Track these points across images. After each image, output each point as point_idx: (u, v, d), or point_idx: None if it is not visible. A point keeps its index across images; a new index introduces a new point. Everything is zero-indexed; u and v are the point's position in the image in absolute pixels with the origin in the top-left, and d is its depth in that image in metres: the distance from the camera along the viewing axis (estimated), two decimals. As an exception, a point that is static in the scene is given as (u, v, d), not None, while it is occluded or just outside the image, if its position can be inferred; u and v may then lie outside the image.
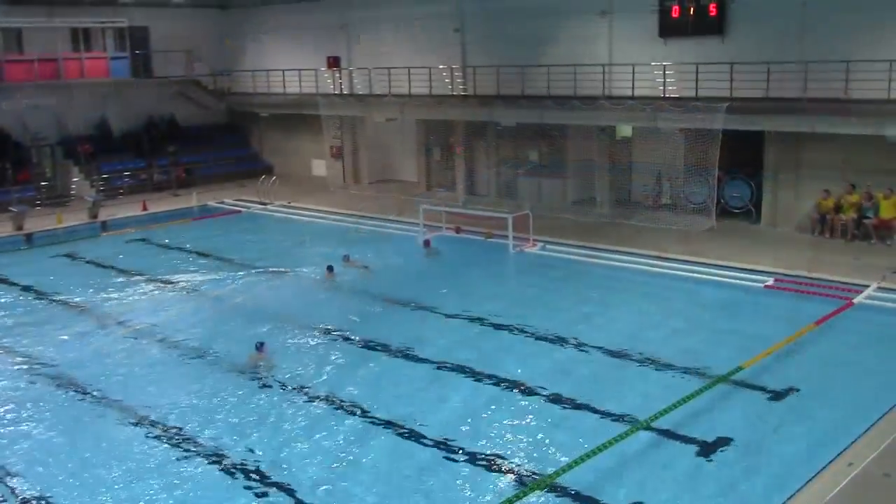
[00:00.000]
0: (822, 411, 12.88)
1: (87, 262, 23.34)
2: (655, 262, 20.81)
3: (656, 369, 14.62)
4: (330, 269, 20.85)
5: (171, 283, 21.05)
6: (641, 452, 11.65)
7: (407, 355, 15.63)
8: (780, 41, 22.73)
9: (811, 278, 18.87)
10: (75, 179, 31.87)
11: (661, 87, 24.25)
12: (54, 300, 19.86)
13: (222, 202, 30.85)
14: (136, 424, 13.10)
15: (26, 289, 20.85)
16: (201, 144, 35.80)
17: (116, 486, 11.24)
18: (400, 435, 12.47)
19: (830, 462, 11.04)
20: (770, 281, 18.95)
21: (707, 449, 11.72)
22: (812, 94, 21.39)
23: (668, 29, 24.88)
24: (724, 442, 11.85)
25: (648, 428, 12.20)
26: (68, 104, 32.92)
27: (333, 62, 34.06)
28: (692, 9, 24.26)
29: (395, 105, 30.11)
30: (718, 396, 13.34)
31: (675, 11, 24.60)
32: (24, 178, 30.37)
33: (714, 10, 23.90)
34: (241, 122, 38.18)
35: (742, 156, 24.06)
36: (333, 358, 15.67)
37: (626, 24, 25.92)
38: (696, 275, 19.78)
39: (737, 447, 11.74)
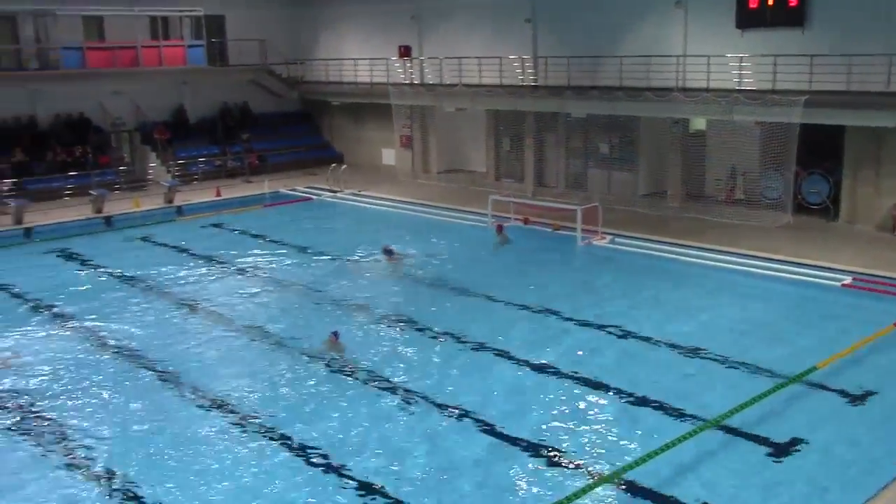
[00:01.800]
0: (901, 415, 12.54)
1: (163, 246, 23.94)
2: (728, 257, 20.44)
3: (728, 367, 14.38)
4: (389, 252, 21.08)
5: (243, 267, 21.47)
6: (711, 451, 11.48)
7: (470, 344, 15.67)
8: (863, 32, 22.03)
9: (891, 278, 18.33)
10: (152, 165, 32.68)
11: (738, 80, 23.76)
12: (130, 281, 20.43)
13: (294, 189, 31.28)
14: (208, 407, 13.40)
15: (104, 269, 21.50)
16: (274, 132, 36.45)
17: (189, 466, 11.54)
18: (463, 423, 12.52)
19: (908, 468, 10.77)
20: (848, 280, 18.47)
21: (779, 450, 11.49)
22: (896, 88, 20.75)
23: (746, 20, 24.33)
24: (796, 443, 11.62)
25: (719, 426, 12.03)
26: (146, 91, 33.74)
27: (404, 51, 34.22)
28: (771, -1, 23.75)
29: (465, 95, 30.11)
30: (792, 397, 13.08)
31: (754, 1, 24.06)
32: (105, 162, 31.26)
33: (795, 0, 23.32)
34: (312, 110, 38.66)
35: (821, 150, 23.45)
36: (400, 346, 15.81)
37: (702, 14, 25.43)
38: (770, 272, 19.37)
39: (810, 450, 11.49)
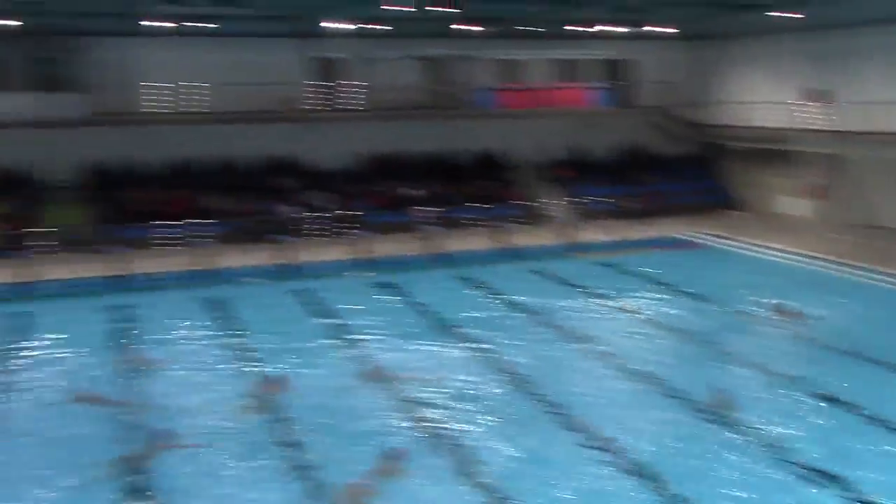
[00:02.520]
0: None
1: (556, 279, 24.97)
2: None
3: None
4: (783, 309, 19.91)
5: (629, 308, 21.71)
6: None
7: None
8: None
9: None
10: (552, 201, 34.24)
11: None
12: (524, 311, 21.62)
13: (685, 234, 30.90)
14: (587, 445, 13.57)
15: (502, 297, 22.94)
16: (670, 174, 36.28)
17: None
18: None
19: None
20: None
21: None
22: None
23: None
24: None
25: None
26: (551, 130, 35.56)
27: (814, 95, 32.27)
28: None
29: (881, 143, 27.61)
30: None
31: None
32: (509, 196, 33.45)
33: None
34: (709, 153, 37.85)
35: None
36: (802, 414, 14.70)
37: None
38: None
39: None
